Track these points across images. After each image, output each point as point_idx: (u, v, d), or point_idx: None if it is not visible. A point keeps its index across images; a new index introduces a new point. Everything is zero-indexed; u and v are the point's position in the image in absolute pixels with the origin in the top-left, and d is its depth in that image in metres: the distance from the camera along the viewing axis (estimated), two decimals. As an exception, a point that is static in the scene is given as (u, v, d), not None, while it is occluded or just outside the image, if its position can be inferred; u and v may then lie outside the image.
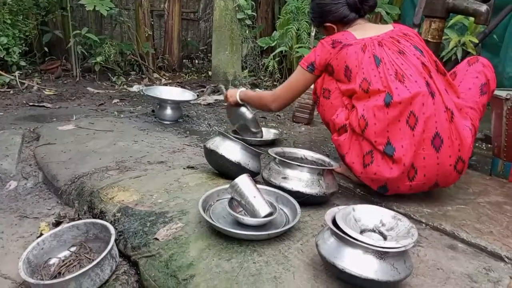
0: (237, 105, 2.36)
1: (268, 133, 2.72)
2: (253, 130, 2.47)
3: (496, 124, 2.18)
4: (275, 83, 5.09)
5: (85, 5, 4.36)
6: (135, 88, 4.49)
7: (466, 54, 3.86)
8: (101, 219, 1.57)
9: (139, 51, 5.29)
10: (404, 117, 1.57)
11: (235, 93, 2.33)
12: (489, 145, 2.52)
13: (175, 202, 1.61)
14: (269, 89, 4.78)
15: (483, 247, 1.39)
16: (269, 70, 4.95)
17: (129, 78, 5.08)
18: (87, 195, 1.78)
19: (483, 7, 2.39)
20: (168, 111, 2.96)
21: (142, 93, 3.34)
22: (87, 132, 2.60)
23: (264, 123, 3.13)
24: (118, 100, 3.82)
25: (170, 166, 2.03)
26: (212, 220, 1.38)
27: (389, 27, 1.84)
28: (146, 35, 5.45)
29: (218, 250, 1.29)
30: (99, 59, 4.65)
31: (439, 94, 1.63)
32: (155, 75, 5.34)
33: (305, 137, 2.75)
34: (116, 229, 1.48)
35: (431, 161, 1.59)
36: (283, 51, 4.90)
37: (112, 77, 4.87)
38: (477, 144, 2.78)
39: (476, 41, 3.78)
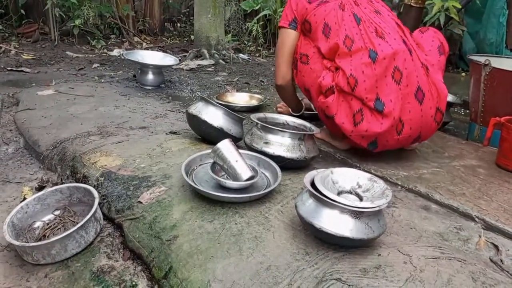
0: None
1: (252, 99, 2.72)
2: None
3: (474, 89, 2.23)
4: (258, 48, 5.04)
5: (62, -35, 4.19)
6: (116, 52, 4.40)
7: (449, 19, 3.87)
8: (84, 183, 1.58)
9: (119, 14, 5.14)
10: (390, 72, 1.62)
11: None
12: (467, 111, 2.58)
13: (158, 166, 1.63)
14: (252, 54, 4.75)
15: (455, 207, 1.45)
16: (253, 35, 4.89)
17: (109, 42, 4.97)
18: (70, 160, 1.78)
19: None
20: (150, 76, 2.92)
21: (122, 57, 3.28)
22: (67, 97, 2.57)
23: (247, 88, 3.12)
24: (98, 65, 3.75)
25: (152, 132, 2.03)
26: (195, 184, 1.41)
27: None
28: (126, -3, 5.29)
29: (200, 212, 1.33)
30: (77, 22, 4.52)
31: (415, 51, 1.71)
32: (136, 38, 5.22)
33: (288, 103, 2.75)
34: (100, 193, 1.50)
35: (416, 114, 1.66)
36: (267, 15, 4.83)
37: (91, 41, 4.75)
38: (455, 110, 2.84)
39: (459, 6, 3.79)
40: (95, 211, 1.35)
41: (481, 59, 2.17)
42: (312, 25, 1.79)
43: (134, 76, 3.20)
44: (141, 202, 1.41)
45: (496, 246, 1.25)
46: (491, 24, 4.08)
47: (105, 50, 4.50)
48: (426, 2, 3.31)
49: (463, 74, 4.15)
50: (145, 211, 1.37)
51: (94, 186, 1.53)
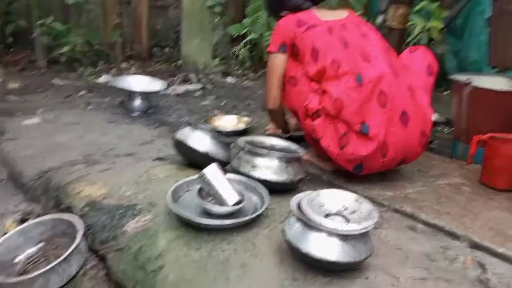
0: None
1: (239, 122, 2.73)
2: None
3: (457, 108, 2.26)
4: (246, 71, 5.09)
5: (50, -6, 4.23)
6: (103, 78, 4.40)
7: (431, 39, 3.96)
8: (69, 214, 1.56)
9: (106, 40, 5.17)
10: (375, 96, 1.64)
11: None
12: (451, 129, 2.62)
13: (144, 194, 1.62)
14: (240, 78, 4.79)
15: (441, 227, 1.46)
16: (240, 58, 4.94)
17: (97, 68, 4.97)
18: (54, 190, 1.76)
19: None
20: (137, 102, 2.92)
21: (109, 84, 3.29)
22: (53, 126, 2.56)
23: (235, 112, 3.14)
24: (86, 92, 3.75)
25: (139, 158, 2.02)
26: (181, 211, 1.40)
27: (345, 13, 1.91)
28: (114, 23, 5.32)
29: (187, 240, 1.32)
30: (65, 49, 4.53)
31: (401, 74, 1.73)
32: (124, 64, 5.24)
33: (276, 125, 2.77)
34: (84, 223, 1.48)
35: (401, 137, 1.68)
36: (254, 39, 4.89)
37: (79, 68, 4.75)
38: (439, 128, 2.88)
39: (441, 26, 3.88)
40: (79, 244, 1.33)
41: (462, 77, 2.22)
42: (300, 49, 1.81)
43: (121, 102, 3.20)
44: (126, 232, 1.40)
45: (482, 265, 1.25)
46: (473, 42, 4.18)
47: (92, 77, 4.50)
48: (408, 23, 3.39)
49: (446, 92, 4.21)
50: (130, 241, 1.35)
51: (78, 217, 1.51)
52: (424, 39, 3.87)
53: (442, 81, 4.44)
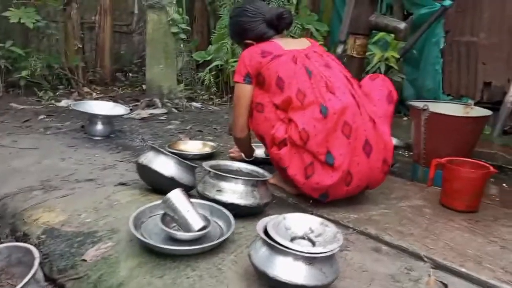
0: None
1: (205, 147, 2.72)
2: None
3: (415, 133, 2.35)
4: (211, 96, 5.11)
5: (9, 17, 4.12)
6: (64, 103, 4.29)
7: (389, 68, 4.13)
8: (25, 242, 1.48)
9: (68, 65, 5.07)
10: (340, 127, 1.68)
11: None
12: (410, 153, 2.70)
13: (104, 220, 1.56)
14: (205, 103, 4.79)
15: (404, 248, 1.48)
16: (206, 84, 4.96)
17: (57, 93, 4.84)
18: (9, 217, 1.68)
19: (402, 25, 2.59)
20: (99, 127, 2.86)
21: (70, 108, 3.20)
22: (10, 151, 2.45)
23: (201, 136, 3.12)
24: (45, 116, 3.63)
25: (100, 184, 1.96)
26: (144, 237, 1.36)
27: (307, 43, 1.96)
28: (76, 48, 5.24)
29: (150, 267, 1.27)
30: (24, 73, 4.40)
31: (363, 105, 1.78)
32: (86, 89, 5.13)
33: (241, 150, 2.77)
34: (41, 251, 1.41)
35: (364, 166, 1.72)
36: (219, 65, 4.93)
37: (38, 92, 4.62)
38: (399, 152, 2.96)
39: (398, 56, 4.06)
40: (35, 273, 1.25)
41: (420, 104, 2.31)
42: (266, 79, 1.84)
43: (82, 126, 3.11)
44: (86, 260, 1.34)
45: (445, 285, 1.28)
46: (428, 72, 4.39)
47: (52, 101, 4.38)
48: (367, 53, 3.52)
49: (405, 118, 4.38)
50: (89, 270, 1.29)
51: (35, 245, 1.44)
52: (382, 68, 4.03)
53: (401, 108, 4.63)
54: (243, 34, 2.02)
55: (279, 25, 1.96)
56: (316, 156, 1.69)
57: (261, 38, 1.96)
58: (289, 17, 1.97)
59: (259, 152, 2.39)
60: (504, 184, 2.38)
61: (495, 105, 3.98)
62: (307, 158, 1.71)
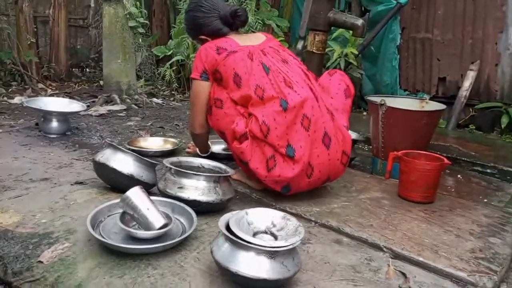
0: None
1: (166, 143, 2.67)
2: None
3: (374, 127, 2.41)
4: (173, 92, 5.03)
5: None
6: (17, 99, 4.10)
7: (348, 64, 4.21)
8: (-26, 246, 1.40)
9: (21, 60, 4.85)
10: (299, 120, 1.70)
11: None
12: (370, 147, 2.77)
13: (61, 221, 1.51)
14: (167, 99, 4.72)
15: (364, 239, 1.52)
16: (166, 79, 4.88)
17: (10, 89, 4.62)
18: (-43, 220, 1.58)
19: (359, 21, 2.64)
20: (54, 124, 2.75)
21: (24, 105, 3.06)
22: (-43, 150, 2.31)
23: (162, 133, 3.07)
24: (-4, 114, 3.46)
25: (55, 183, 1.89)
26: (102, 237, 1.32)
27: (262, 37, 1.96)
28: (29, 42, 5.02)
29: (109, 267, 1.24)
30: (-27, 68, 4.17)
31: (321, 98, 1.81)
32: (40, 85, 4.93)
33: (203, 146, 2.75)
34: (-7, 255, 1.34)
35: (324, 158, 1.75)
36: (180, 60, 4.87)
37: (-11, 89, 4.39)
38: (359, 146, 3.04)
39: (356, 52, 4.15)
40: (-14, 277, 1.19)
41: (377, 99, 2.37)
42: (222, 75, 1.83)
43: (37, 124, 2.98)
44: (42, 262, 1.28)
45: (404, 274, 1.32)
46: (386, 67, 4.52)
47: (5, 98, 4.18)
48: (327, 49, 3.57)
49: (364, 113, 4.49)
50: (46, 272, 1.24)
51: (-14, 248, 1.37)
52: (342, 64, 4.11)
53: (360, 102, 4.74)
54: (197, 30, 2.01)
55: (234, 22, 1.96)
56: (277, 149, 1.70)
57: (216, 34, 1.95)
58: (244, 15, 1.98)
59: (217, 148, 2.39)
60: (458, 175, 2.48)
61: (449, 99, 4.17)
62: (268, 151, 1.72)
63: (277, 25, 4.78)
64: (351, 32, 3.86)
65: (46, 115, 2.75)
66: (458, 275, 1.32)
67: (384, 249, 1.46)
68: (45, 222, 1.50)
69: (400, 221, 1.67)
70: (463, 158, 2.71)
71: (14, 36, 4.94)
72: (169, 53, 4.92)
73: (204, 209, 1.59)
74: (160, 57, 5.24)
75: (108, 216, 1.48)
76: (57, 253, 1.31)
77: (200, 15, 1.96)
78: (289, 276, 1.12)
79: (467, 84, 4.07)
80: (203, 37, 1.99)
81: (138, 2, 4.27)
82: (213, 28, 1.95)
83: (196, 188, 1.59)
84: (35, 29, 5.36)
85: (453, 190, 2.21)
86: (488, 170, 2.60)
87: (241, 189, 1.94)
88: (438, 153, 2.25)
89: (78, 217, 1.53)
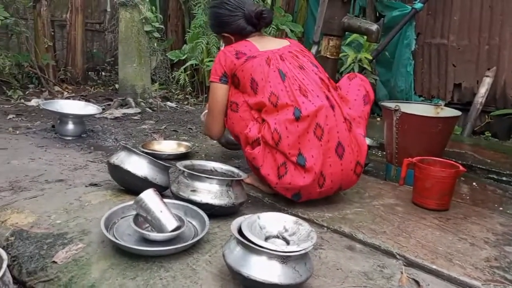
0: None
1: (180, 147, 2.69)
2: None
3: (388, 133, 2.39)
4: (187, 96, 5.07)
5: (-25, 14, 3.99)
6: (34, 102, 4.17)
7: (362, 69, 4.19)
8: (-8, 245, 1.43)
9: (38, 63, 4.94)
10: (312, 129, 1.69)
11: None
12: (383, 153, 2.75)
13: (75, 222, 1.53)
14: (180, 102, 4.75)
15: (377, 246, 1.50)
16: (180, 83, 4.91)
17: (27, 92, 4.71)
18: (-25, 219, 1.61)
19: (374, 27, 2.63)
20: (70, 126, 2.79)
21: (40, 107, 3.12)
22: (-25, 151, 2.36)
23: (175, 136, 3.09)
24: (14, 116, 3.52)
25: (70, 185, 1.91)
26: (116, 239, 1.33)
27: (285, 42, 1.95)
28: (46, 46, 5.11)
29: (122, 269, 1.25)
30: (-8, 71, 4.26)
31: (338, 107, 1.78)
32: (57, 88, 5.01)
33: (217, 149, 2.76)
34: (9, 254, 1.37)
35: (336, 168, 1.73)
36: (194, 65, 4.90)
37: (7, 91, 4.47)
38: (373, 152, 3.01)
39: (371, 57, 4.13)
40: (3, 275, 1.20)
41: (392, 105, 2.35)
42: (240, 80, 1.83)
43: (53, 126, 3.03)
44: (56, 262, 1.30)
45: (417, 282, 1.30)
46: (400, 73, 4.49)
47: (22, 101, 4.25)
48: (341, 54, 3.56)
49: (378, 118, 4.45)
50: (60, 272, 1.26)
51: (3, 247, 1.40)
52: (356, 69, 4.09)
53: (374, 108, 4.71)
54: (221, 27, 2.00)
55: (258, 23, 1.95)
56: (288, 157, 1.70)
57: (239, 33, 1.95)
58: (269, 16, 1.97)
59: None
60: (474, 183, 2.44)
61: (465, 106, 4.11)
62: (280, 158, 1.71)
63: (291, 30, 4.78)
64: (365, 37, 3.85)
65: (62, 117, 2.79)
66: (473, 284, 1.30)
67: (398, 256, 1.45)
68: (59, 223, 1.52)
69: (414, 228, 1.65)
70: (479, 166, 2.67)
71: (32, 40, 5.03)
72: (184, 57, 4.96)
73: (216, 213, 1.59)
74: (175, 61, 5.28)
75: (122, 218, 1.49)
76: (71, 254, 1.33)
77: (225, 13, 1.95)
78: (301, 281, 1.12)
79: (483, 90, 4.01)
80: (226, 34, 1.99)
81: (153, 7, 4.31)
82: (236, 27, 1.94)
83: (209, 192, 1.60)
84: (53, 33, 5.45)
85: (468, 197, 2.18)
86: (504, 178, 2.55)
87: (254, 193, 1.94)
88: (453, 160, 2.22)
89: (92, 218, 1.55)
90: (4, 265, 1.23)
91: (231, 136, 2.07)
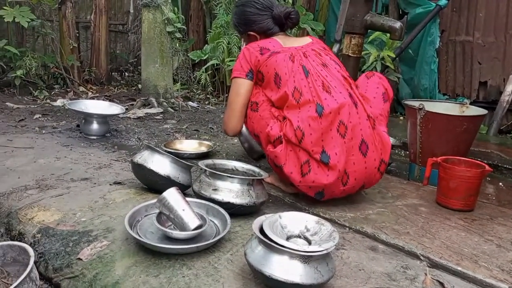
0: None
1: (201, 146, 2.71)
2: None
3: (411, 132, 2.35)
4: (208, 96, 5.10)
5: (4, 16, 4.09)
6: (59, 102, 4.27)
7: (385, 68, 4.13)
8: (20, 241, 1.47)
9: (63, 64, 5.05)
10: (335, 126, 1.67)
11: None
12: (407, 152, 2.71)
13: (100, 219, 1.56)
14: (202, 102, 4.79)
15: (400, 247, 1.48)
16: (202, 83, 4.95)
17: (53, 92, 4.83)
18: (4, 216, 1.66)
19: (397, 24, 2.59)
20: (94, 126, 2.84)
21: (66, 107, 3.19)
22: (4, 150, 2.43)
23: (197, 136, 3.12)
24: (40, 115, 3.61)
25: (95, 183, 1.95)
26: (139, 236, 1.35)
27: (307, 40, 1.94)
28: (71, 47, 5.22)
29: (145, 266, 1.27)
30: (19, 72, 4.38)
31: (361, 104, 1.76)
32: (81, 88, 5.11)
33: (238, 149, 2.77)
34: (36, 250, 1.40)
35: (360, 166, 1.71)
36: (215, 64, 4.93)
37: (34, 91, 4.60)
38: (396, 151, 2.97)
39: (393, 55, 4.07)
40: (30, 271, 1.24)
41: (415, 103, 2.32)
42: (264, 75, 1.83)
43: (78, 126, 3.10)
44: (81, 259, 1.33)
45: (441, 284, 1.28)
46: (424, 71, 4.40)
47: (48, 101, 4.36)
48: (363, 52, 3.52)
49: (401, 117, 4.38)
50: (85, 269, 1.29)
51: (30, 244, 1.44)
52: (378, 67, 4.04)
53: (397, 107, 4.64)
54: (247, 25, 2.00)
55: (286, 24, 1.95)
56: (311, 155, 1.68)
57: (265, 32, 1.95)
58: (296, 18, 1.97)
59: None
60: (500, 183, 2.38)
61: (490, 104, 4.01)
62: (303, 156, 1.70)
63: (312, 29, 4.75)
64: (388, 35, 3.79)
65: (87, 117, 2.85)
66: (499, 286, 1.26)
67: (421, 257, 1.42)
68: (84, 221, 1.55)
69: (438, 229, 1.62)
70: (505, 165, 2.60)
71: (57, 41, 5.15)
72: (205, 57, 4.99)
73: (237, 212, 1.60)
74: (196, 61, 5.32)
75: (145, 216, 1.51)
76: (95, 251, 1.36)
77: (253, 11, 1.95)
78: (323, 281, 1.11)
79: (509, 88, 3.90)
80: (251, 33, 1.99)
81: (175, 8, 4.36)
82: (263, 26, 1.95)
83: (230, 191, 1.60)
84: (77, 34, 5.57)
85: (494, 198, 2.13)
86: (532, 178, 2.48)
87: (274, 192, 1.94)
88: (479, 159, 2.17)
89: (117, 216, 1.58)
90: (31, 262, 1.27)
91: (254, 142, 2.05)
